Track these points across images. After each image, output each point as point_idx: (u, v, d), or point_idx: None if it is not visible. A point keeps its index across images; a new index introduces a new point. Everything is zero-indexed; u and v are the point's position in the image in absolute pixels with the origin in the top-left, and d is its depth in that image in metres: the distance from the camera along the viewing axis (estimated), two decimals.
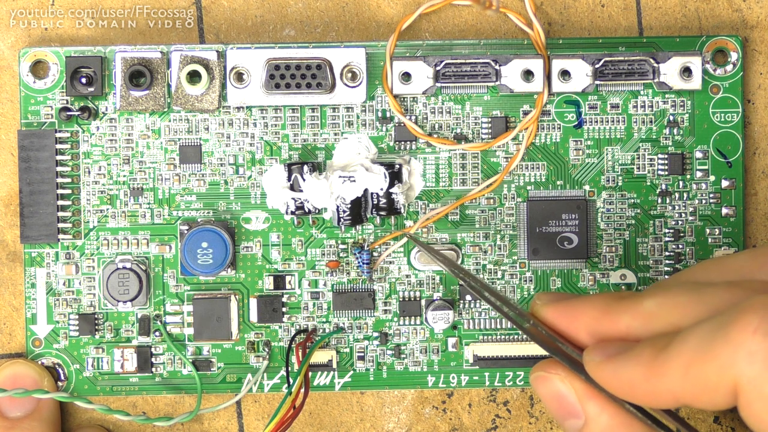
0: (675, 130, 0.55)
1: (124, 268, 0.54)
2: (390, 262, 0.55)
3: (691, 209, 0.55)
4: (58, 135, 0.54)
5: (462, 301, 0.55)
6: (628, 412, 0.41)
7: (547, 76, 0.54)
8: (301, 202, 0.54)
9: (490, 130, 0.55)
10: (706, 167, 0.55)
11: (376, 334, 0.55)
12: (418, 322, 0.55)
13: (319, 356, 0.55)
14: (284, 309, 0.55)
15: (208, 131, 0.55)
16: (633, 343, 0.40)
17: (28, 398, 0.53)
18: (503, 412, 0.57)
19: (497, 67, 0.54)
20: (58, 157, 0.54)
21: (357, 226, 0.55)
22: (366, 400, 0.56)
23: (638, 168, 0.55)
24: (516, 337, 0.55)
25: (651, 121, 0.55)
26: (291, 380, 0.53)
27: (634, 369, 0.39)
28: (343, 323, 0.55)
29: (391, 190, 0.54)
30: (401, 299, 0.55)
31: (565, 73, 0.54)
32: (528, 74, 0.54)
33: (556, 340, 0.43)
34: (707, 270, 0.42)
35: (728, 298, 0.39)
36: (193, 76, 0.54)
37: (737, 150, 0.55)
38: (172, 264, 0.55)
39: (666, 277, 0.55)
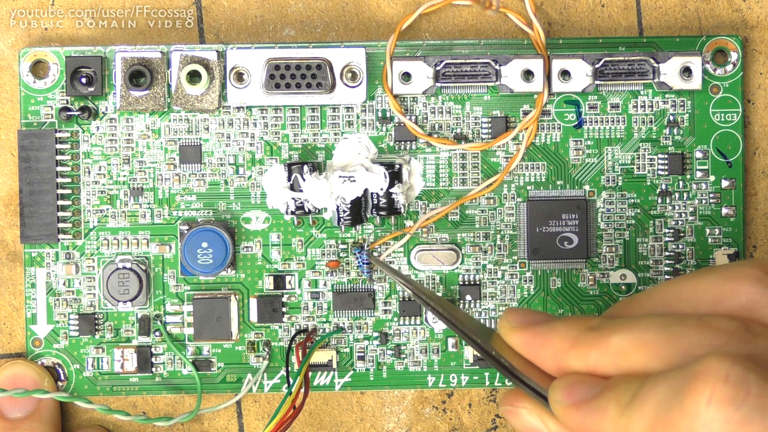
0: (675, 130, 0.55)
1: (124, 268, 0.54)
2: (390, 262, 0.55)
3: (691, 209, 0.55)
4: (58, 135, 0.54)
5: (462, 302, 0.55)
6: None
7: (547, 76, 0.54)
8: (301, 202, 0.54)
9: (490, 130, 0.55)
10: (706, 167, 0.55)
11: (376, 334, 0.55)
12: (418, 322, 0.55)
13: (319, 356, 0.55)
14: (284, 309, 0.55)
15: (208, 131, 0.55)
16: (600, 385, 0.40)
17: (28, 398, 0.53)
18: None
19: (497, 67, 0.54)
20: (58, 157, 0.54)
21: (357, 226, 0.55)
22: (366, 400, 0.56)
23: (638, 168, 0.55)
24: None
25: (651, 121, 0.55)
26: (291, 380, 0.53)
27: (599, 423, 0.40)
28: (343, 323, 0.55)
29: (391, 190, 0.54)
30: (401, 299, 0.55)
31: (565, 73, 0.54)
32: (528, 74, 0.54)
33: (521, 375, 0.42)
34: (679, 293, 0.43)
35: (697, 341, 0.39)
36: (193, 76, 0.54)
37: (737, 150, 0.55)
38: (172, 264, 0.55)
39: (666, 277, 0.55)
